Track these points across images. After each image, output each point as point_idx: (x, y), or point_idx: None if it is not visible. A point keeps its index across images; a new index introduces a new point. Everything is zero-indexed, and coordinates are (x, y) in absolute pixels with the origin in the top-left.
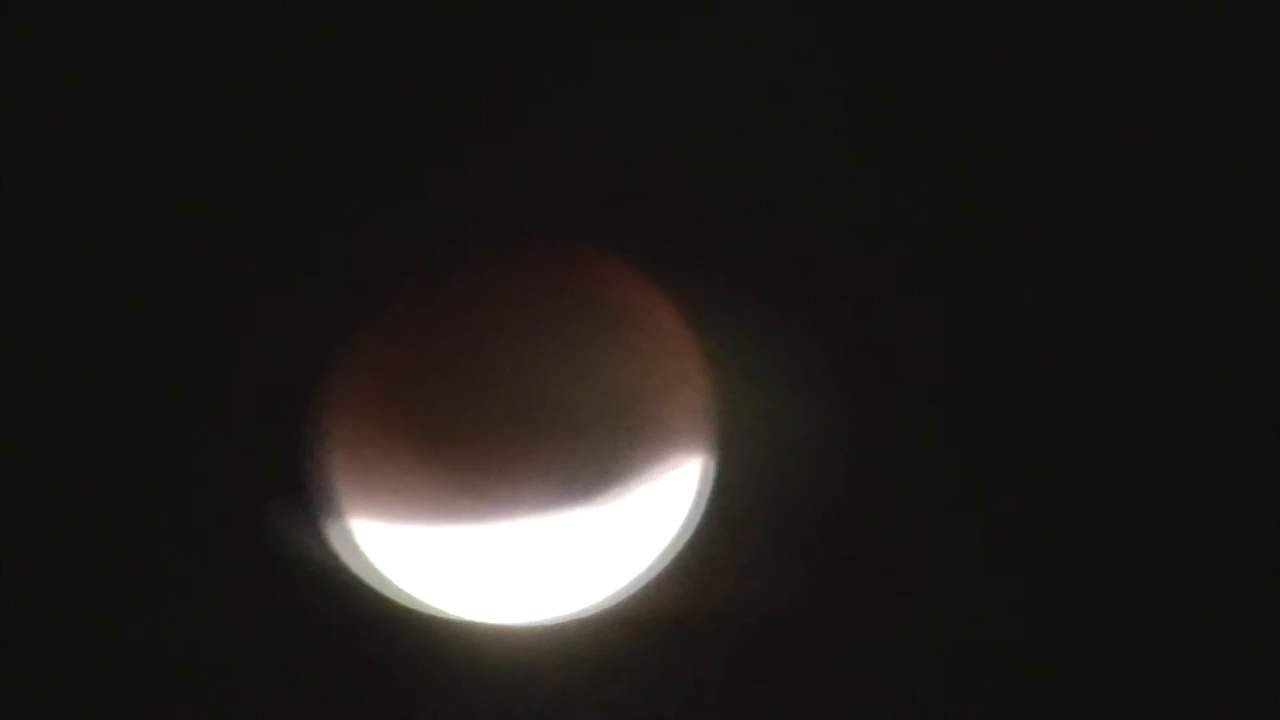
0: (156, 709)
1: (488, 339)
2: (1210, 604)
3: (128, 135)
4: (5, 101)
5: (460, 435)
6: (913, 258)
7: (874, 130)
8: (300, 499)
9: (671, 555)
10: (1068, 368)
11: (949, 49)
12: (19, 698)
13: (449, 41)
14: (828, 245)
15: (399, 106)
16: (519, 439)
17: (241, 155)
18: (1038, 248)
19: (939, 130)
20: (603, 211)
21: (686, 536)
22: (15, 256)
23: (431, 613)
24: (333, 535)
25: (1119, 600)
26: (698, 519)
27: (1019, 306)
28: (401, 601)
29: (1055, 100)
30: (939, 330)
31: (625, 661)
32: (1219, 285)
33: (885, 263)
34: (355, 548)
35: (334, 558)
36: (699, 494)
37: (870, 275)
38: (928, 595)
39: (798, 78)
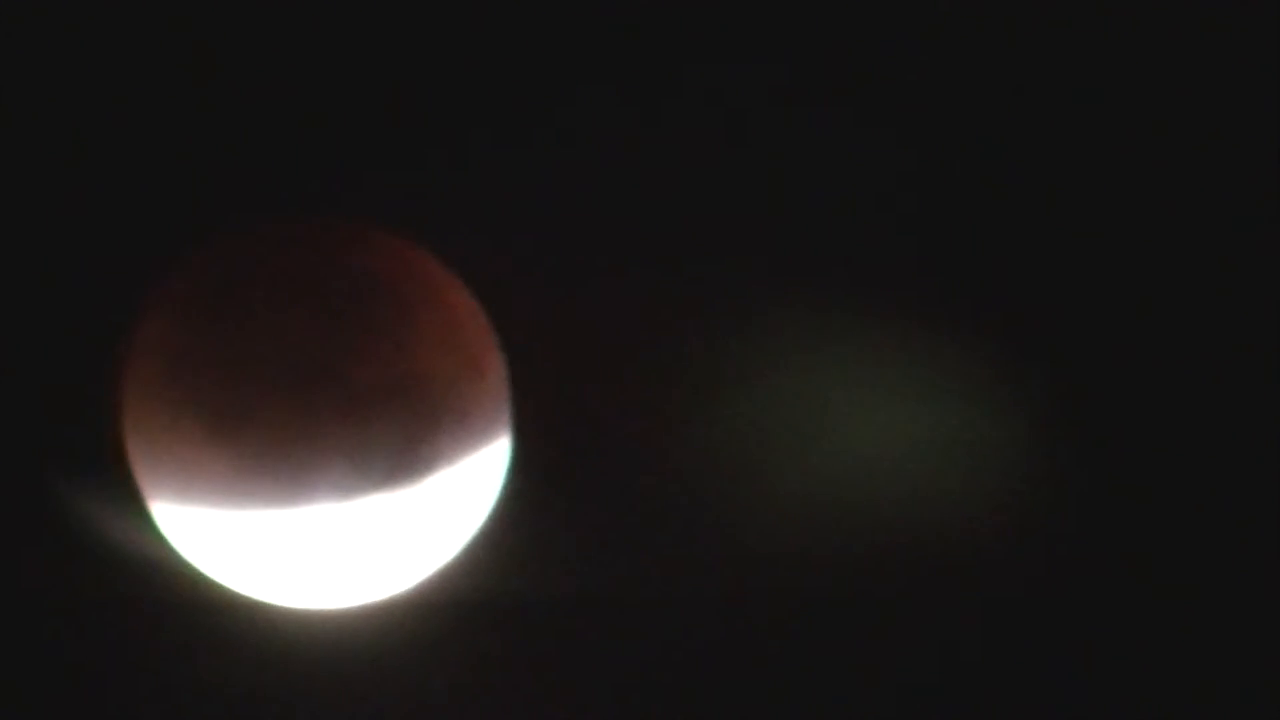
0: None
1: (283, 321)
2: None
3: None
4: None
5: (254, 418)
6: (721, 245)
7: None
8: (100, 484)
9: (472, 540)
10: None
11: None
12: None
13: (244, 21)
14: (632, 225)
15: (200, 85)
16: (314, 423)
17: (40, 134)
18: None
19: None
20: (401, 194)
21: (487, 522)
22: None
23: (235, 597)
24: (134, 520)
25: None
26: (498, 504)
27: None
28: (205, 586)
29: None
30: (750, 313)
31: (428, 646)
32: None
33: (686, 240)
34: (158, 532)
35: (136, 542)
36: (499, 479)
37: (674, 252)
38: (722, 573)
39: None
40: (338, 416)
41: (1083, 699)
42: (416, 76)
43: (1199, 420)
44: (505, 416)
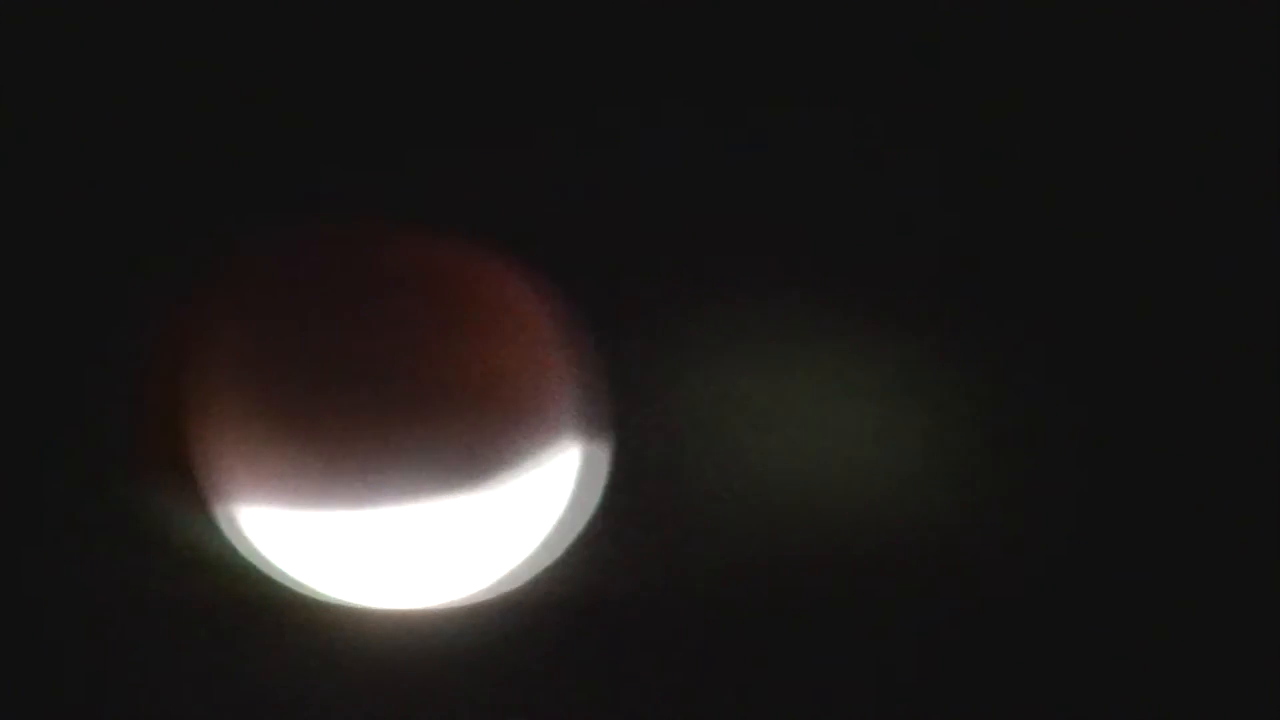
0: (43, 696)
1: (357, 321)
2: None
3: None
4: None
5: (334, 420)
6: (796, 241)
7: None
8: (171, 486)
9: (555, 542)
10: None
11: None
12: None
13: (311, 26)
14: (718, 215)
15: (264, 84)
16: (390, 423)
17: (110, 143)
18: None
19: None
20: (481, 192)
21: (570, 523)
22: None
23: (313, 598)
24: (215, 521)
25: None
26: (581, 505)
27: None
28: (284, 587)
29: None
30: (830, 310)
31: (504, 647)
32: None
33: (778, 244)
34: (238, 533)
35: (207, 545)
36: (582, 480)
37: (763, 257)
38: (815, 574)
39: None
40: (414, 416)
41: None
42: (480, 72)
43: (1186, 417)
44: (585, 415)
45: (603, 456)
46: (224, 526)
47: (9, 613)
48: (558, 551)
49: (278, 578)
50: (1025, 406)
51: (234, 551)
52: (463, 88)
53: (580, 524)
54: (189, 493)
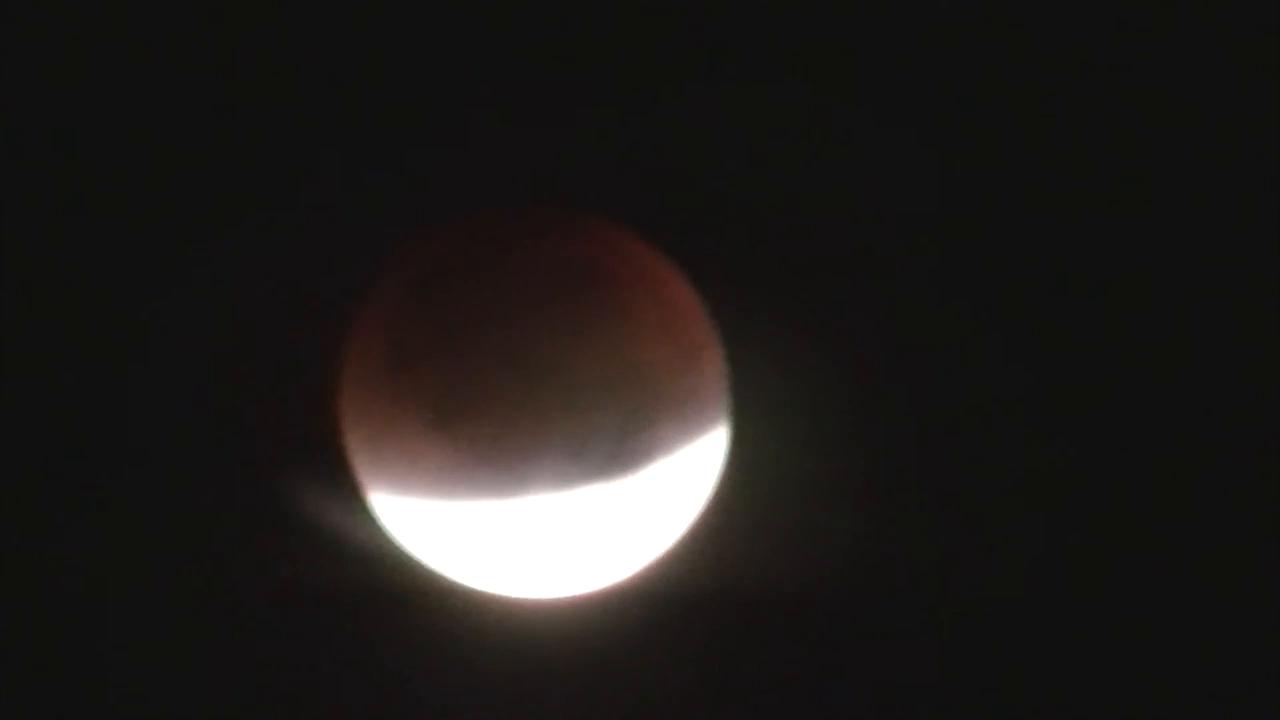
0: (193, 680)
1: (503, 312)
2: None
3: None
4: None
5: (474, 409)
6: (928, 245)
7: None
8: (321, 475)
9: (688, 530)
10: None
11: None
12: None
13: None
14: (850, 216)
15: (420, 78)
16: (534, 414)
17: (253, 133)
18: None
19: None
20: (619, 188)
21: (703, 511)
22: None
23: (453, 586)
24: (354, 510)
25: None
26: (715, 493)
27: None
28: (423, 575)
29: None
30: (953, 312)
31: (643, 635)
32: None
33: (900, 246)
34: (377, 523)
35: (355, 533)
36: (716, 468)
37: (885, 257)
38: (942, 565)
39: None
40: (557, 407)
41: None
42: (636, 68)
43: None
44: (723, 406)
45: (733, 445)
46: (373, 516)
47: (166, 598)
48: (690, 542)
49: (424, 567)
50: None
51: (382, 540)
52: (612, 85)
53: (713, 515)
54: (339, 483)
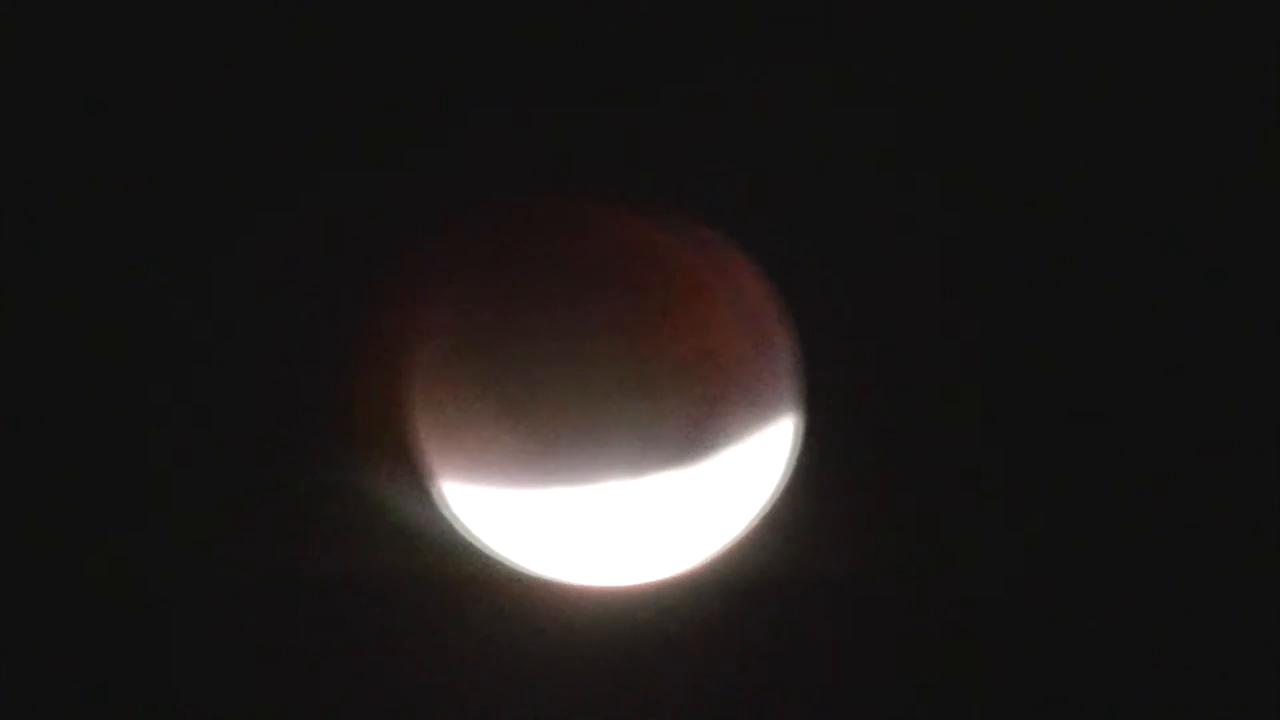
0: (261, 669)
1: (573, 299)
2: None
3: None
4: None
5: (544, 396)
6: (1012, 232)
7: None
8: (390, 463)
9: (761, 517)
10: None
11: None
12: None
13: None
14: (924, 203)
15: (499, 58)
16: (604, 401)
17: (327, 116)
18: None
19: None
20: (687, 174)
21: (775, 499)
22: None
23: (523, 575)
24: (424, 498)
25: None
26: (786, 481)
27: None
28: (492, 563)
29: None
30: (1039, 303)
31: (713, 624)
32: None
33: (981, 233)
34: (447, 510)
35: (425, 522)
36: (787, 457)
37: (963, 244)
38: (1015, 556)
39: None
40: (628, 394)
41: None
42: (706, 58)
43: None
44: (794, 394)
45: (801, 434)
46: (439, 504)
47: (232, 588)
48: (758, 530)
49: (493, 555)
50: None
51: (448, 528)
52: (685, 72)
53: (779, 503)
54: (404, 470)
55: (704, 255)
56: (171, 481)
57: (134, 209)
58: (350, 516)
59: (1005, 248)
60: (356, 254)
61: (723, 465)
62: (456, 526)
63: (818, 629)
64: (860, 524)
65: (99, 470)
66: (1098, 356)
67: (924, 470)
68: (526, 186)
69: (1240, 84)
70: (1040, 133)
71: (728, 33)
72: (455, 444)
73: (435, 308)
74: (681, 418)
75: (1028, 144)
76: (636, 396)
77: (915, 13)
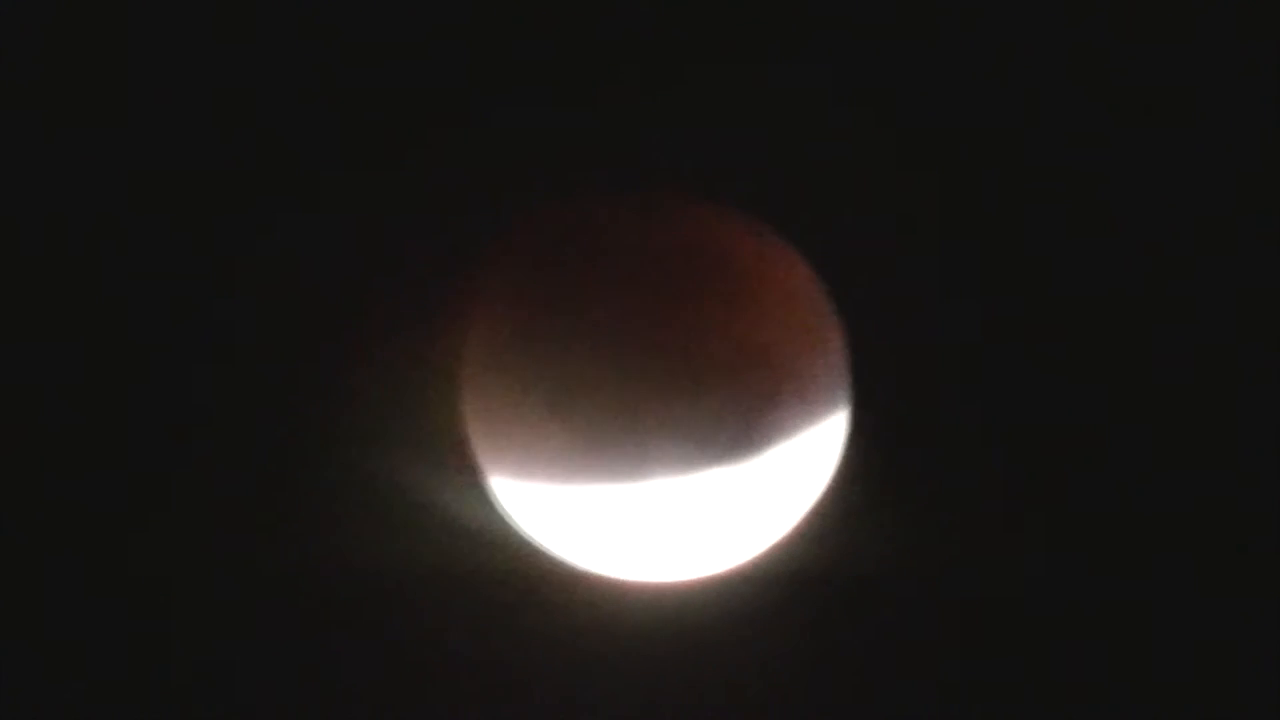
0: (312, 664)
1: (623, 295)
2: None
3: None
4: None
5: (595, 392)
6: (1053, 229)
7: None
8: (441, 459)
9: (809, 514)
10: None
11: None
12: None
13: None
14: (969, 197)
15: (536, 59)
16: (654, 397)
17: (377, 106)
18: None
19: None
20: (736, 170)
21: (825, 495)
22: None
23: (572, 570)
24: (474, 494)
25: None
26: (835, 477)
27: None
28: (543, 559)
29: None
30: (1081, 298)
31: (764, 619)
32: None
33: (1023, 229)
34: (498, 507)
35: (476, 517)
36: (836, 452)
37: (1005, 241)
38: (1061, 554)
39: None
40: (677, 390)
41: None
42: (751, 55)
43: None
44: (843, 389)
45: (854, 429)
46: (491, 499)
47: (284, 581)
48: (808, 525)
49: (544, 551)
50: None
51: (502, 525)
52: (734, 70)
53: (829, 498)
54: (458, 466)
55: (754, 252)
56: (221, 481)
57: (159, 207)
58: (401, 512)
59: (1053, 245)
60: (408, 250)
61: (773, 461)
62: (508, 522)
63: (867, 622)
64: (908, 520)
65: (135, 468)
66: (1148, 356)
67: (972, 466)
68: (575, 185)
69: (1240, 84)
70: (1091, 122)
71: (778, 28)
72: (506, 440)
73: (487, 305)
74: (731, 414)
75: (1078, 138)
76: (687, 393)
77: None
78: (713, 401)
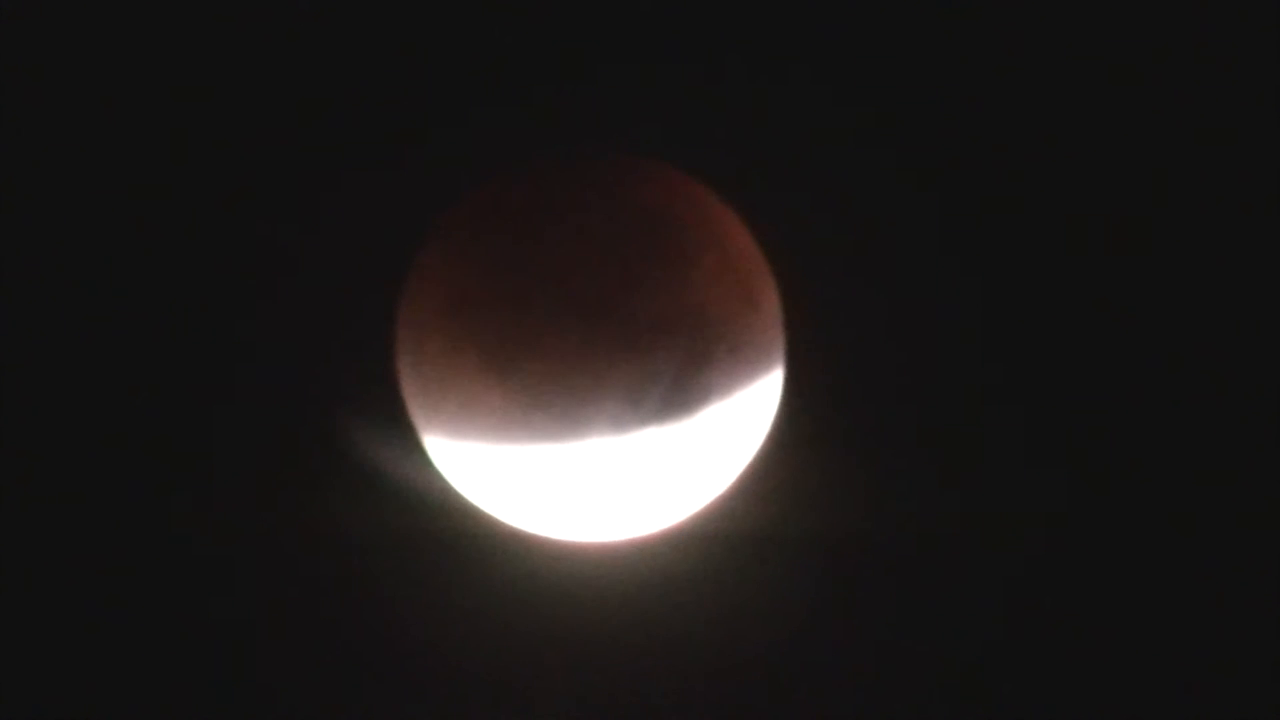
0: (260, 624)
1: (563, 256)
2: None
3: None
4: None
5: (532, 352)
6: (987, 198)
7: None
8: (377, 418)
9: (744, 473)
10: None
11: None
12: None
13: None
14: (907, 161)
15: (490, 26)
16: (592, 357)
17: (324, 82)
18: None
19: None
20: (676, 132)
21: (759, 455)
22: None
23: (508, 530)
24: (410, 454)
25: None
26: (770, 437)
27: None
28: (478, 519)
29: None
30: (1016, 265)
31: (699, 578)
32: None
33: (959, 197)
34: (433, 466)
35: (411, 476)
36: (772, 412)
37: (944, 208)
38: (995, 514)
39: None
40: (615, 350)
41: None
42: (702, 20)
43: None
44: (779, 349)
45: (789, 389)
46: (429, 461)
47: (231, 548)
48: (746, 485)
49: (480, 511)
50: None
51: (438, 485)
52: (677, 37)
53: (768, 459)
54: (395, 428)
55: (692, 215)
56: (170, 450)
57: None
58: (340, 475)
59: (992, 215)
60: (345, 218)
61: (709, 420)
62: (444, 483)
63: (800, 581)
64: (842, 480)
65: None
66: (1083, 324)
67: (906, 428)
68: (518, 151)
69: (1240, 84)
70: (1037, 115)
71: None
72: (443, 402)
73: (423, 268)
74: (668, 373)
75: (1019, 123)
76: (623, 354)
77: None
78: (650, 360)
